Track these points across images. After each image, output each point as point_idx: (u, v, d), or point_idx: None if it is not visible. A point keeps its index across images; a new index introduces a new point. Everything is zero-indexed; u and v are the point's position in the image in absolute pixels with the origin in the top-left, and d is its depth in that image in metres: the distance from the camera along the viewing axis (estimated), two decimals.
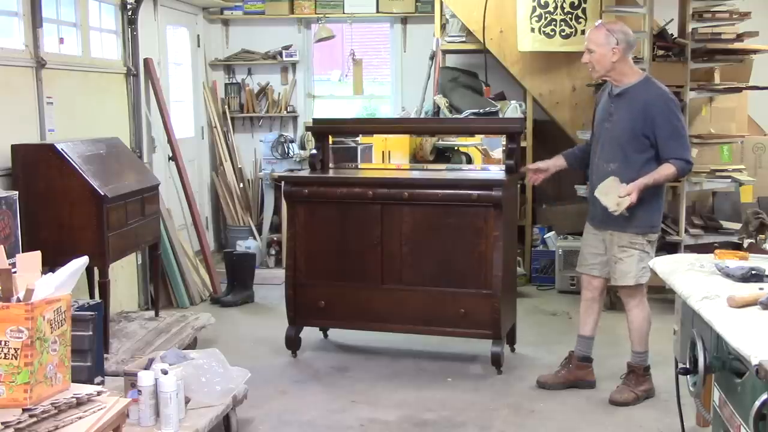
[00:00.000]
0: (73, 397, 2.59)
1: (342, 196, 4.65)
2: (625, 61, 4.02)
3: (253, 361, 4.46)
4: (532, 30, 6.24)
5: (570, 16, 6.24)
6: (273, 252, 6.98)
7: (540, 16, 6.24)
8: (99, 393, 2.69)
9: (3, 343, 2.52)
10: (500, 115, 6.33)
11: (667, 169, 3.91)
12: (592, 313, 4.28)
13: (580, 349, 4.31)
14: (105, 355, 4.02)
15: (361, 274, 4.65)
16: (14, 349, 2.52)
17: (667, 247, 5.64)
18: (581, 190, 5.99)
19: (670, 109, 3.96)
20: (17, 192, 4.00)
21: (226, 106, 7.65)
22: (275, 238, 6.97)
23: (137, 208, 4.66)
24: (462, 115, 6.29)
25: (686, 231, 5.65)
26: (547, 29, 6.23)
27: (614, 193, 3.91)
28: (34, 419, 2.42)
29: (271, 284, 6.48)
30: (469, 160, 6.67)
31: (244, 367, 3.78)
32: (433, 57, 6.77)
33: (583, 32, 6.23)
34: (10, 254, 3.17)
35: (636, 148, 3.95)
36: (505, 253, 4.47)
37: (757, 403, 2.05)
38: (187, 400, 3.39)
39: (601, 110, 4.14)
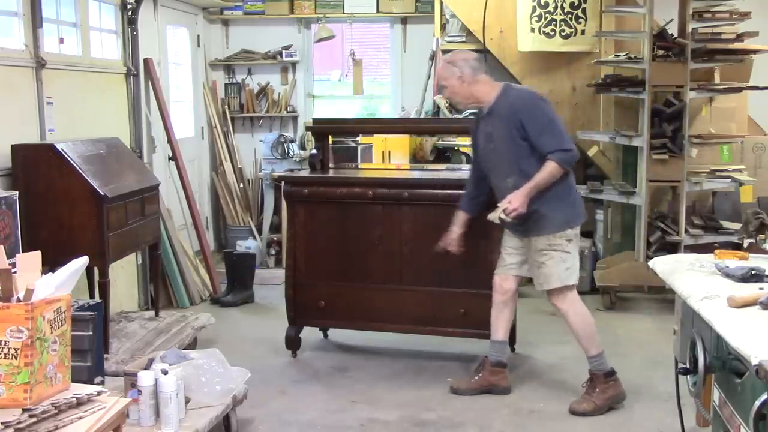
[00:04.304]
0: (73, 397, 2.59)
1: (342, 196, 4.65)
2: (477, 83, 4.03)
3: (253, 361, 4.46)
4: (532, 30, 6.24)
5: (570, 16, 6.24)
6: (273, 252, 6.98)
7: (540, 16, 6.24)
8: (99, 393, 2.69)
9: (3, 343, 2.52)
10: None
11: (546, 167, 3.88)
12: (504, 317, 4.22)
13: (493, 354, 4.24)
14: (105, 355, 4.02)
15: (361, 274, 4.65)
16: (14, 349, 2.52)
17: (667, 247, 5.64)
18: (582, 190, 5.99)
19: (533, 105, 3.96)
20: (17, 192, 4.00)
21: (226, 106, 7.65)
22: (275, 238, 6.97)
23: (137, 208, 4.66)
24: (462, 115, 6.29)
25: (686, 231, 5.65)
26: (547, 29, 6.23)
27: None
28: (34, 419, 2.42)
29: (271, 284, 6.49)
30: (469, 160, 6.66)
31: (244, 367, 3.78)
32: (433, 57, 6.78)
33: (583, 32, 6.24)
34: (10, 254, 3.17)
35: (522, 155, 3.93)
36: None
37: (757, 403, 2.05)
38: (187, 400, 3.39)
39: (481, 136, 4.12)
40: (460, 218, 4.29)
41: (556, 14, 6.24)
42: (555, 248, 3.99)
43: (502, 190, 4.02)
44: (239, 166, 7.51)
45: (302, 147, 7.13)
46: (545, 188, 3.90)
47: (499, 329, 4.24)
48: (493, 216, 3.94)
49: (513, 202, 3.87)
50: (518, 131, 3.91)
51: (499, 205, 3.93)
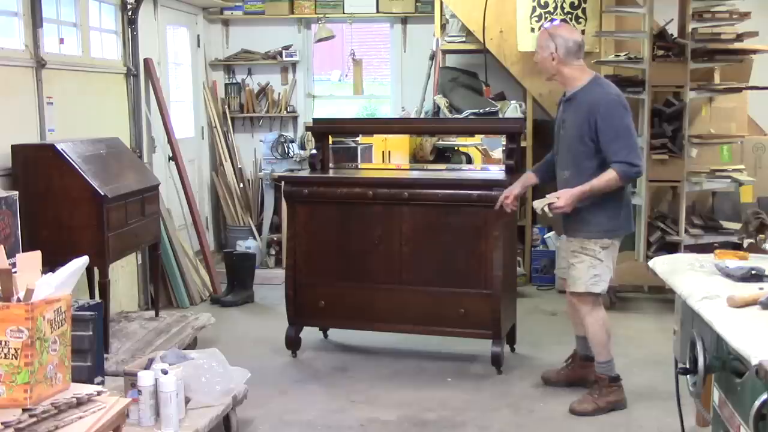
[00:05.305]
0: (73, 397, 2.59)
1: (342, 196, 4.65)
2: (567, 65, 3.93)
3: (253, 361, 4.46)
4: (532, 30, 6.24)
5: (570, 16, 6.24)
6: (273, 252, 6.98)
7: (540, 16, 6.24)
8: (99, 393, 2.69)
9: (3, 343, 2.52)
10: (500, 115, 6.33)
11: (607, 174, 3.79)
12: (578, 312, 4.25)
13: (581, 348, 4.29)
14: (105, 355, 4.02)
15: (361, 274, 4.65)
16: (14, 349, 2.52)
17: (667, 247, 5.64)
18: None
19: (612, 110, 3.84)
20: (17, 192, 4.00)
21: (226, 106, 7.65)
22: (275, 238, 6.97)
23: (137, 208, 4.66)
24: (462, 115, 6.29)
25: (686, 231, 5.65)
26: None
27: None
28: (34, 419, 2.42)
29: (271, 284, 6.48)
30: (469, 160, 6.67)
31: (244, 367, 3.78)
32: (433, 57, 6.78)
33: (583, 32, 6.23)
34: (10, 254, 3.16)
35: (586, 154, 3.87)
36: (505, 253, 4.47)
37: (757, 403, 2.05)
38: (187, 400, 3.39)
39: (558, 118, 4.11)
40: (526, 178, 4.27)
41: (556, 14, 6.24)
42: (587, 252, 3.95)
43: (559, 179, 4.02)
44: (239, 166, 7.51)
45: (302, 147, 7.13)
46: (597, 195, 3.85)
47: (578, 324, 4.23)
48: (538, 205, 3.91)
49: (561, 200, 3.84)
50: (589, 130, 3.84)
51: (547, 195, 3.90)
